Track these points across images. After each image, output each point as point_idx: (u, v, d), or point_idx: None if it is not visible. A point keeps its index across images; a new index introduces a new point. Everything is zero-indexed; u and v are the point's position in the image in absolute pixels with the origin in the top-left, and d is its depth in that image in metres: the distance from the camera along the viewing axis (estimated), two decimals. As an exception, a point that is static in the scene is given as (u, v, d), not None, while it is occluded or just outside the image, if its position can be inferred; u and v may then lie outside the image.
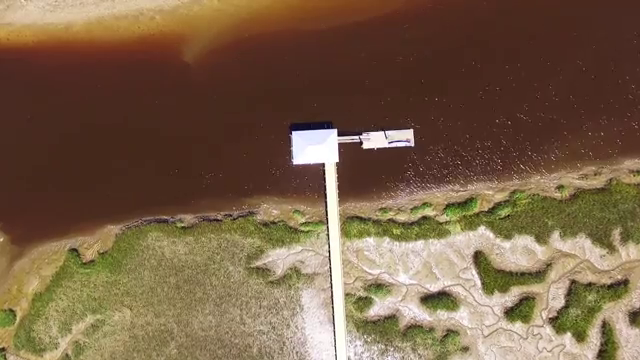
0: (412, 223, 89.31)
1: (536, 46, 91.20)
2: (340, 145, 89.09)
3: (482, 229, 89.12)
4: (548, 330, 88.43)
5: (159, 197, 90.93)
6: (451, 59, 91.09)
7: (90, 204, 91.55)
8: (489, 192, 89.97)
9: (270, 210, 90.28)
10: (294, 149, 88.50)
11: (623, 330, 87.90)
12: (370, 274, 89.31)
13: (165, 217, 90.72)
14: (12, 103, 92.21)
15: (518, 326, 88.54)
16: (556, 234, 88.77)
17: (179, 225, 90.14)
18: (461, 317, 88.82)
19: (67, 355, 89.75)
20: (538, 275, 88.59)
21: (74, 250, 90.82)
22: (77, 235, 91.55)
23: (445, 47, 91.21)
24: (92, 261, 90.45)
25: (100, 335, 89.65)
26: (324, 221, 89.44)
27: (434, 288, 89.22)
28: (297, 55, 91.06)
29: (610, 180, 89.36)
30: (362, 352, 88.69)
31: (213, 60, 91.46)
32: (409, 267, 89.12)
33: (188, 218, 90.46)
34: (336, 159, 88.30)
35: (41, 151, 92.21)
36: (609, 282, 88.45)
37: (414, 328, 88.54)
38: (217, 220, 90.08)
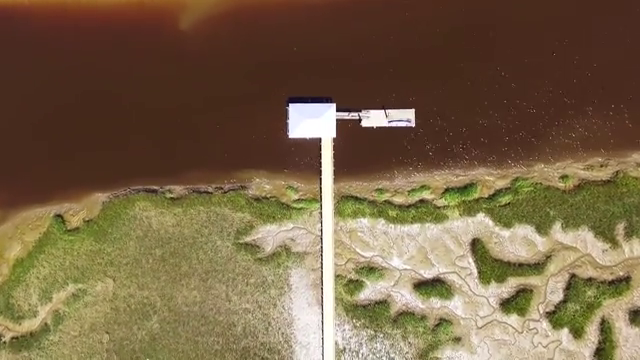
0: (409, 206, 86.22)
1: (547, 30, 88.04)
2: (338, 122, 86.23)
3: (481, 216, 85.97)
4: (544, 325, 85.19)
5: (149, 166, 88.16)
6: (457, 40, 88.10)
7: (78, 171, 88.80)
8: (490, 178, 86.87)
9: (262, 185, 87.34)
10: (290, 122, 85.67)
11: (623, 329, 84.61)
12: (363, 256, 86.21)
13: (154, 187, 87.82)
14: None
15: (514, 319, 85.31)
16: (558, 225, 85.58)
17: (168, 196, 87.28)
18: (455, 306, 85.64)
19: (46, 324, 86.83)
20: (537, 267, 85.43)
21: (59, 216, 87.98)
22: (63, 201, 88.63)
23: (452, 27, 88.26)
24: (77, 228, 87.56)
25: (81, 305, 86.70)
26: (318, 199, 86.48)
27: (428, 275, 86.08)
28: (298, 28, 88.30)
29: (616, 173, 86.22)
30: (350, 337, 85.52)
31: (210, 29, 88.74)
32: (403, 251, 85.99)
33: (178, 189, 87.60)
34: (333, 134, 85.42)
35: (31, 115, 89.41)
36: (610, 278, 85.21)
37: (405, 315, 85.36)
38: (207, 193, 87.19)
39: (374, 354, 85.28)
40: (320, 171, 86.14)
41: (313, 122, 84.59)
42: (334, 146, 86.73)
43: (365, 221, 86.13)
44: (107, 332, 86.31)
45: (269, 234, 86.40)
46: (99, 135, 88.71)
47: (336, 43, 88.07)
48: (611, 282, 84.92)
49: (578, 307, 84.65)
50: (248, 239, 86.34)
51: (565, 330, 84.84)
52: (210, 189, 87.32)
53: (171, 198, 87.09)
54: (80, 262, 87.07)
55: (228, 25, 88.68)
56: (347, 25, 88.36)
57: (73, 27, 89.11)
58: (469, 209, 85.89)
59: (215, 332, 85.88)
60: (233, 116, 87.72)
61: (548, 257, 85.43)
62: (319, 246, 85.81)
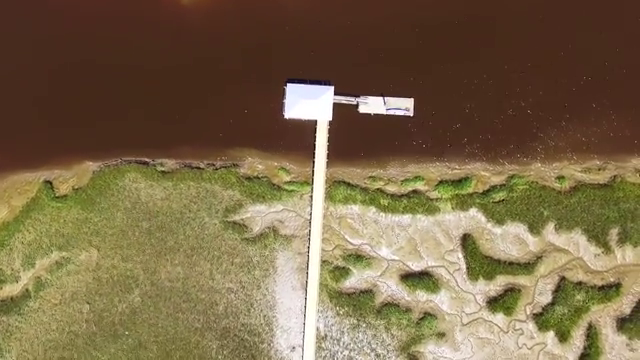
0: (401, 195, 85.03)
1: (553, 28, 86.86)
2: (336, 106, 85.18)
3: (474, 211, 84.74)
4: (531, 326, 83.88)
5: (143, 138, 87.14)
6: (462, 33, 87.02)
7: (71, 138, 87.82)
8: (486, 173, 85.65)
9: (255, 164, 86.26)
10: (287, 102, 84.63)
11: (609, 336, 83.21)
12: (351, 243, 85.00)
13: (146, 159, 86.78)
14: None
15: (500, 318, 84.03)
16: (551, 226, 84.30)
17: (159, 169, 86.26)
18: (441, 301, 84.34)
19: (27, 290, 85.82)
20: (527, 267, 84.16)
21: (48, 183, 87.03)
22: (53, 168, 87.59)
23: (457, 19, 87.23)
24: (65, 196, 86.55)
25: (63, 273, 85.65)
26: (309, 182, 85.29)
27: (416, 267, 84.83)
28: (302, 8, 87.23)
29: (614, 177, 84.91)
30: (332, 324, 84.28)
31: (213, 4, 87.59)
32: (393, 241, 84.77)
33: (169, 163, 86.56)
34: (329, 117, 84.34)
35: (28, 80, 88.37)
36: (600, 283, 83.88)
37: (390, 306, 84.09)
38: (199, 168, 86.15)
39: (355, 343, 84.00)
40: (314, 154, 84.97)
41: (310, 103, 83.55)
42: (329, 130, 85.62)
43: (356, 208, 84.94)
44: (88, 302, 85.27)
45: (258, 214, 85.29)
46: (94, 104, 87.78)
47: (339, 26, 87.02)
48: (601, 288, 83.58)
49: (566, 310, 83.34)
50: (236, 218, 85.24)
51: (551, 333, 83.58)
52: (202, 165, 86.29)
53: (162, 171, 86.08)
54: (66, 230, 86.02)
55: (231, 1, 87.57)
56: (352, 9, 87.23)
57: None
58: (462, 203, 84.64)
59: (196, 310, 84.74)
60: (230, 93, 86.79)
61: (539, 258, 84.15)
62: (307, 230, 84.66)
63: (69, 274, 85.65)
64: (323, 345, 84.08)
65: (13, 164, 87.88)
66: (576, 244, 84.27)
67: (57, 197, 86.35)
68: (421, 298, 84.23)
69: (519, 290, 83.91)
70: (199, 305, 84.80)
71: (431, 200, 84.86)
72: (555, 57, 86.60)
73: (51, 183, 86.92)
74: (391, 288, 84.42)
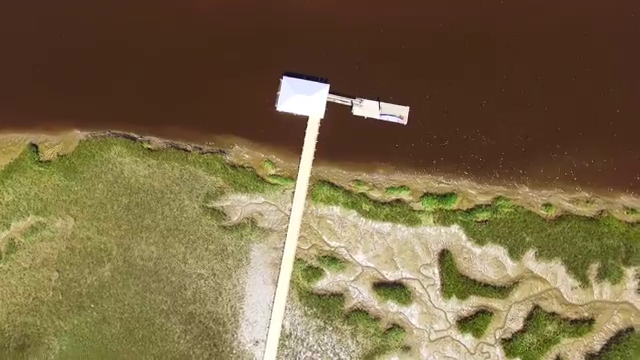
0: (384, 203, 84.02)
1: (553, 54, 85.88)
2: (330, 105, 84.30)
3: (455, 227, 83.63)
4: (498, 351, 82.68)
5: (134, 113, 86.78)
6: (468, 52, 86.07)
7: (63, 104, 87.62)
8: (472, 192, 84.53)
9: (242, 153, 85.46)
10: (281, 95, 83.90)
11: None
12: (328, 245, 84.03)
13: (134, 135, 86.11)
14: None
15: (468, 339, 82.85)
16: (531, 253, 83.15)
17: (145, 146, 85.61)
18: (411, 314, 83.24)
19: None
20: (502, 291, 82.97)
21: (34, 146, 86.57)
22: (41, 132, 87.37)
23: (462, 34, 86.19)
24: (49, 161, 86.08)
25: (37, 238, 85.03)
26: (294, 178, 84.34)
27: (390, 277, 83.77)
28: (306, 5, 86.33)
29: (601, 211, 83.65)
30: (298, 323, 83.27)
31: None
32: (370, 248, 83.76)
33: (157, 141, 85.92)
34: (321, 115, 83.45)
35: (27, 44, 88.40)
36: (574, 317, 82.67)
37: (359, 313, 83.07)
38: (185, 150, 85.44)
39: (319, 346, 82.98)
40: (302, 150, 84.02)
41: (303, 99, 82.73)
42: (320, 128, 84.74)
43: (337, 210, 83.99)
44: (58, 270, 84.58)
45: (238, 204, 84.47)
46: (90, 74, 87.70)
47: (343, 24, 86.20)
48: (574, 321, 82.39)
49: (535, 340, 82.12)
50: (216, 204, 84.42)
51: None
52: (189, 147, 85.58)
53: (148, 149, 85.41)
54: (45, 195, 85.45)
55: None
56: (360, 8, 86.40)
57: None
58: (445, 218, 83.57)
59: (165, 291, 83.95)
60: (226, 79, 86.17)
61: (515, 283, 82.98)
62: (286, 225, 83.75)
63: (43, 240, 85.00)
64: (287, 343, 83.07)
65: (1, 122, 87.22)
66: (554, 274, 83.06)
67: (41, 161, 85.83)
68: (391, 309, 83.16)
69: (491, 313, 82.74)
70: (168, 287, 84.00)
71: (414, 211, 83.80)
72: (560, 83, 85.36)
73: (36, 147, 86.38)
74: (362, 295, 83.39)
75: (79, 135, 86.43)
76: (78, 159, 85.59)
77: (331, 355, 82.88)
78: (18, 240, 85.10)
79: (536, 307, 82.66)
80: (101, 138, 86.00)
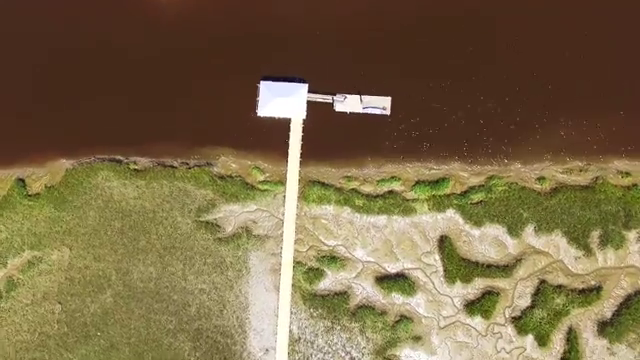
0: (377, 196, 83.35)
1: (532, 29, 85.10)
2: (311, 105, 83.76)
3: (451, 212, 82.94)
4: (509, 330, 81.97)
5: (117, 135, 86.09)
6: (443, 30, 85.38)
7: (45, 135, 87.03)
8: (464, 174, 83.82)
9: (229, 163, 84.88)
10: (260, 100, 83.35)
11: (589, 340, 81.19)
12: (325, 244, 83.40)
13: (119, 157, 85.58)
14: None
15: (478, 321, 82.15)
16: (530, 228, 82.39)
17: (132, 167, 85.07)
18: (417, 304, 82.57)
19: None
20: (506, 270, 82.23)
21: (21, 180, 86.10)
22: (27, 165, 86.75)
23: (439, 16, 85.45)
24: (37, 194, 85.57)
25: (35, 273, 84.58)
26: (283, 182, 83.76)
27: (392, 269, 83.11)
28: (276, 5, 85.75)
29: (596, 178, 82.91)
30: (306, 326, 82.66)
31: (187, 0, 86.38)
32: (368, 243, 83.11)
33: (143, 161, 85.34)
34: (303, 115, 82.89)
35: (1, 77, 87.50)
36: (581, 287, 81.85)
37: (365, 309, 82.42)
38: (172, 167, 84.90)
39: (330, 346, 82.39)
40: (288, 153, 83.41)
41: (283, 101, 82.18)
42: (304, 129, 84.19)
43: (330, 208, 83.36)
44: (60, 302, 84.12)
45: (231, 214, 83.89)
46: (67, 101, 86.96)
47: (315, 23, 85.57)
48: (581, 291, 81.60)
49: (545, 314, 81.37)
50: (209, 217, 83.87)
51: (530, 337, 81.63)
52: (175, 163, 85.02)
53: (135, 169, 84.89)
54: (38, 229, 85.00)
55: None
56: (327, 3, 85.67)
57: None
58: (439, 204, 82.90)
59: (169, 311, 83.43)
60: (204, 90, 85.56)
61: (518, 260, 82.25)
62: (281, 230, 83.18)
63: (41, 274, 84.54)
64: (296, 348, 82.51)
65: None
66: (556, 246, 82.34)
67: (29, 195, 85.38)
68: (397, 301, 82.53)
69: (498, 293, 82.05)
70: (171, 306, 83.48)
71: (407, 201, 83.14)
72: (540, 58, 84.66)
73: (24, 181, 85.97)
74: (366, 290, 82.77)
75: (65, 164, 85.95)
76: (67, 188, 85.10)
77: (343, 354, 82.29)
78: (17, 277, 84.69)
79: (542, 282, 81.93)
80: (87, 164, 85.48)
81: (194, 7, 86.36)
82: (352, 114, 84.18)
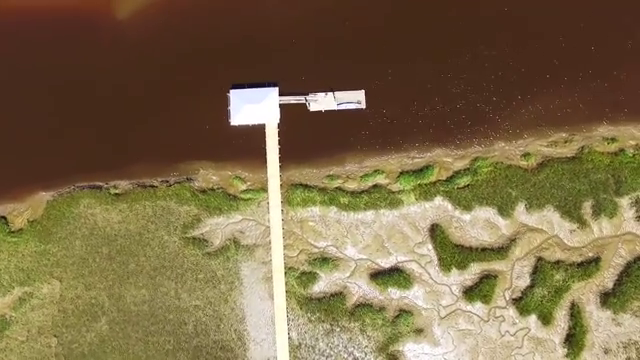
0: (362, 191, 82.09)
1: (505, 3, 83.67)
2: (286, 107, 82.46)
3: (439, 199, 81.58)
4: (511, 312, 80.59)
5: (93, 161, 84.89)
6: (413, 17, 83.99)
7: (21, 170, 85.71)
8: (448, 159, 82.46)
9: (209, 176, 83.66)
10: (232, 109, 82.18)
11: (594, 312, 79.75)
12: (315, 247, 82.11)
13: (99, 183, 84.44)
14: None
15: (478, 307, 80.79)
16: (521, 206, 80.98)
17: (113, 192, 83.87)
18: (415, 296, 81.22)
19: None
20: (501, 251, 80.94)
21: (2, 218, 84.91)
22: (7, 202, 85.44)
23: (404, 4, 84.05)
24: (20, 230, 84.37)
25: (28, 309, 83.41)
26: (266, 189, 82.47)
27: (386, 264, 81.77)
28: (239, 9, 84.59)
29: (582, 148, 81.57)
30: (305, 332, 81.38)
31: (148, 17, 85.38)
32: (358, 240, 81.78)
33: (123, 184, 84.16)
34: (277, 119, 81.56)
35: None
36: (579, 260, 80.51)
37: (363, 307, 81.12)
38: (152, 186, 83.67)
39: (331, 349, 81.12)
40: (266, 159, 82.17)
41: (255, 108, 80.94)
42: (280, 132, 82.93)
43: (316, 210, 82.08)
44: (55, 336, 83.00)
45: (217, 227, 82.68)
46: (41, 133, 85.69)
47: (279, 26, 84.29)
48: (580, 264, 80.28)
49: (546, 292, 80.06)
50: (195, 233, 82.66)
51: (533, 317, 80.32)
52: (155, 182, 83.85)
53: (116, 194, 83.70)
54: (25, 264, 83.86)
55: (166, 13, 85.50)
56: (290, 7, 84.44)
57: (5, 22, 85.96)
58: (426, 193, 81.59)
59: (166, 331, 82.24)
60: (175, 106, 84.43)
61: (513, 240, 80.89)
62: (269, 238, 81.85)
63: (33, 309, 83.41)
64: (298, 354, 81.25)
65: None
66: (550, 222, 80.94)
67: (12, 232, 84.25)
68: (394, 295, 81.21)
69: (495, 276, 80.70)
70: (168, 326, 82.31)
71: (393, 193, 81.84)
72: (513, 31, 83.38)
73: (5, 218, 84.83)
74: (362, 288, 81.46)
75: (45, 196, 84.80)
76: (49, 221, 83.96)
77: (345, 355, 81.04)
78: (9, 315, 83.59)
79: (539, 259, 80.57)
80: (67, 194, 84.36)
81: (154, 26, 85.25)
82: (327, 112, 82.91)
